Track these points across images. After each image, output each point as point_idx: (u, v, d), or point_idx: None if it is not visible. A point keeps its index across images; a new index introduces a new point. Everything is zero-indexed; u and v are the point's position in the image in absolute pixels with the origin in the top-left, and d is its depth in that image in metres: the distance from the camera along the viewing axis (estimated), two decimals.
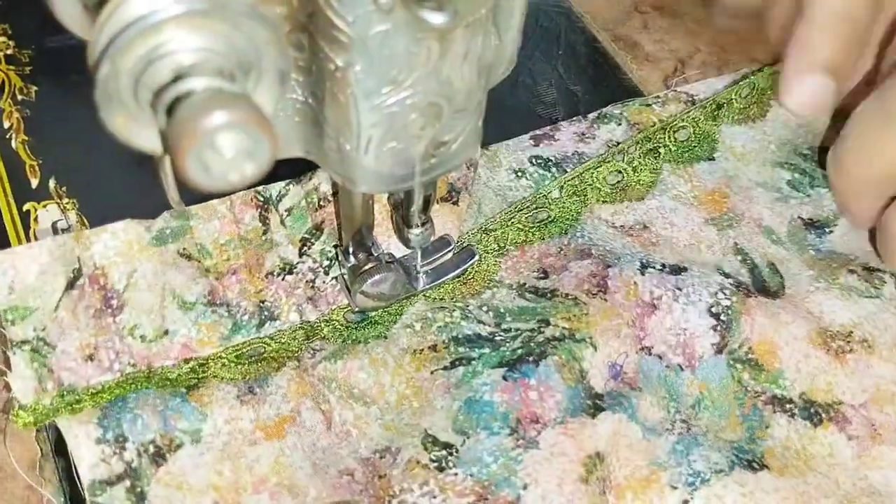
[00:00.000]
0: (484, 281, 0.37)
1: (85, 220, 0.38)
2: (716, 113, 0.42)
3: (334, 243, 0.37)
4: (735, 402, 0.34)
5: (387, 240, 0.38)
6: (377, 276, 0.35)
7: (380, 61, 0.26)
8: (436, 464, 0.32)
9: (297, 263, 0.36)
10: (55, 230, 0.38)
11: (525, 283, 0.37)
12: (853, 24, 0.36)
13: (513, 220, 0.39)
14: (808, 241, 0.39)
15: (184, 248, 0.35)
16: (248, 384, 0.33)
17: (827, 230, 0.39)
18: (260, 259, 0.36)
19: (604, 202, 0.40)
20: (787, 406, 0.34)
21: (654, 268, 0.37)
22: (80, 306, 0.33)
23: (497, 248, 0.38)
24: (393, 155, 0.29)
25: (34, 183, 0.39)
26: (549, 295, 0.36)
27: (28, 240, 0.38)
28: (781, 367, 0.35)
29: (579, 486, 0.31)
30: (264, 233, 0.36)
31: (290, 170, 0.36)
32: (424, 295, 0.37)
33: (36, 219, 0.38)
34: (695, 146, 0.41)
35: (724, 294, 0.36)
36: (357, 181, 0.30)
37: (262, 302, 0.36)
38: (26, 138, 0.40)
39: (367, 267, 0.35)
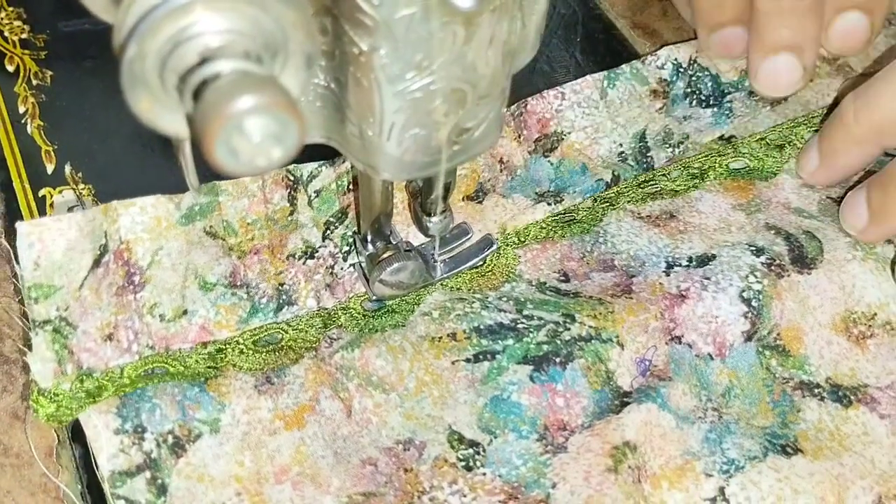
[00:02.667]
0: (503, 274, 0.37)
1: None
2: (777, 152, 0.41)
3: (353, 230, 0.36)
4: (764, 388, 0.35)
5: (405, 228, 0.37)
6: (395, 265, 0.35)
7: (405, 45, 0.26)
8: (463, 463, 0.32)
9: (319, 248, 0.36)
10: None
11: (546, 283, 0.37)
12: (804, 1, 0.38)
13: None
14: None
15: (210, 226, 0.34)
16: (265, 374, 0.33)
17: None
18: (283, 240, 0.36)
19: (634, 202, 0.39)
20: (816, 390, 0.34)
21: (680, 265, 0.36)
22: (104, 284, 0.33)
23: (517, 241, 0.38)
24: (415, 142, 0.29)
25: (50, 168, 0.39)
26: (571, 295, 0.36)
27: None
28: (806, 353, 0.35)
29: (608, 476, 0.31)
30: (291, 213, 0.36)
31: (321, 154, 0.35)
32: (442, 285, 0.36)
33: (52, 204, 0.38)
34: (745, 173, 0.40)
35: (756, 277, 0.36)
36: (379, 168, 0.30)
37: (281, 285, 0.35)
38: (42, 123, 0.40)
39: (385, 255, 0.35)
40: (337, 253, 0.36)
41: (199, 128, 0.21)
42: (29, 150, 0.39)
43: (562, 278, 0.37)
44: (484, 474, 0.32)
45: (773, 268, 0.36)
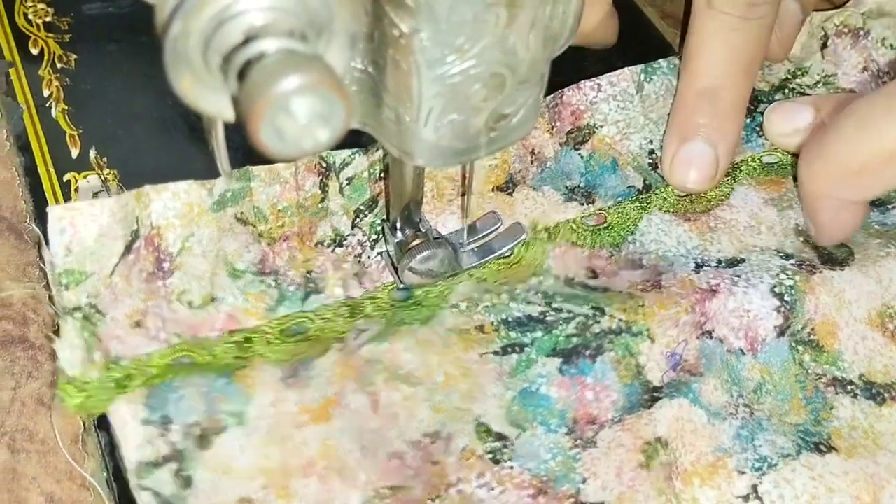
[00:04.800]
0: (531, 266, 0.36)
1: (125, 191, 0.37)
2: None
3: (382, 217, 0.36)
4: (797, 384, 0.34)
5: (435, 217, 0.37)
6: (425, 253, 0.35)
7: (447, 28, 0.25)
8: (491, 455, 0.31)
9: (348, 235, 0.36)
10: None
11: (574, 278, 0.36)
12: (724, 94, 0.37)
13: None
14: (871, 218, 0.38)
15: (241, 212, 0.34)
16: (292, 366, 0.32)
17: (890, 206, 0.39)
18: (313, 227, 0.35)
19: (666, 211, 0.38)
20: (849, 387, 0.34)
21: (709, 266, 0.36)
22: (135, 270, 0.33)
23: (547, 237, 0.37)
24: (452, 128, 0.28)
25: (74, 153, 0.38)
26: (601, 289, 0.35)
27: None
28: (840, 349, 0.34)
29: (640, 472, 0.31)
30: (322, 200, 0.35)
31: (353, 142, 0.35)
32: (469, 275, 0.36)
33: (77, 189, 0.37)
34: (779, 168, 0.40)
35: (787, 274, 0.35)
36: (414, 154, 0.29)
37: (309, 273, 0.35)
38: (66, 107, 0.40)
39: (414, 243, 0.35)
40: (365, 242, 0.36)
41: (244, 109, 0.20)
42: (53, 135, 0.39)
43: (590, 275, 0.36)
44: (511, 468, 0.31)
45: (804, 267, 0.36)
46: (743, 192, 0.39)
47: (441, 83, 0.27)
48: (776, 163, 0.40)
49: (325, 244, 0.35)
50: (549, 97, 0.39)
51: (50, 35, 0.42)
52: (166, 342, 0.33)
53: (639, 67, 0.40)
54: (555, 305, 0.34)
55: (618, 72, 0.40)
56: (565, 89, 0.39)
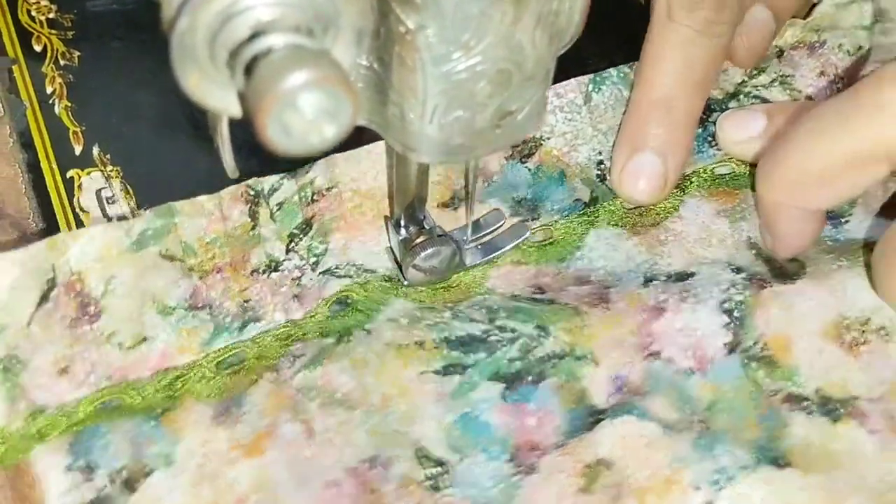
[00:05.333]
0: (471, 289, 0.36)
1: (129, 188, 0.38)
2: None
3: (320, 240, 0.35)
4: (751, 402, 0.33)
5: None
6: (429, 250, 0.35)
7: (453, 24, 0.25)
8: (430, 482, 0.31)
9: (284, 260, 0.35)
10: (99, 198, 0.37)
11: (519, 294, 0.35)
12: (677, 105, 0.36)
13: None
14: (823, 233, 0.37)
15: (166, 249, 0.33)
16: (224, 403, 0.32)
17: (842, 220, 0.37)
18: (246, 255, 0.35)
19: (614, 225, 0.37)
20: (804, 403, 0.33)
21: (658, 280, 0.35)
22: (55, 318, 0.32)
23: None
24: (458, 124, 0.28)
25: (78, 150, 0.38)
26: (546, 302, 0.35)
27: (72, 206, 0.37)
28: (796, 364, 0.33)
29: (580, 496, 0.30)
30: (252, 228, 0.35)
31: (289, 165, 0.35)
32: (405, 296, 0.35)
33: (80, 186, 0.37)
34: (731, 179, 0.39)
35: (737, 289, 0.34)
36: (418, 151, 0.29)
37: (246, 301, 0.34)
38: (69, 104, 0.40)
39: (418, 240, 0.35)
40: (304, 265, 0.35)
41: (252, 105, 0.20)
42: (57, 131, 0.39)
43: (536, 291, 0.35)
44: (452, 496, 0.30)
45: (754, 281, 0.35)
46: (694, 203, 0.38)
47: (447, 80, 0.26)
48: (729, 174, 0.39)
49: (261, 271, 0.35)
50: None
51: (53, 32, 0.42)
52: (96, 386, 0.32)
53: (587, 78, 0.39)
54: (498, 322, 0.34)
55: (565, 83, 0.39)
56: None
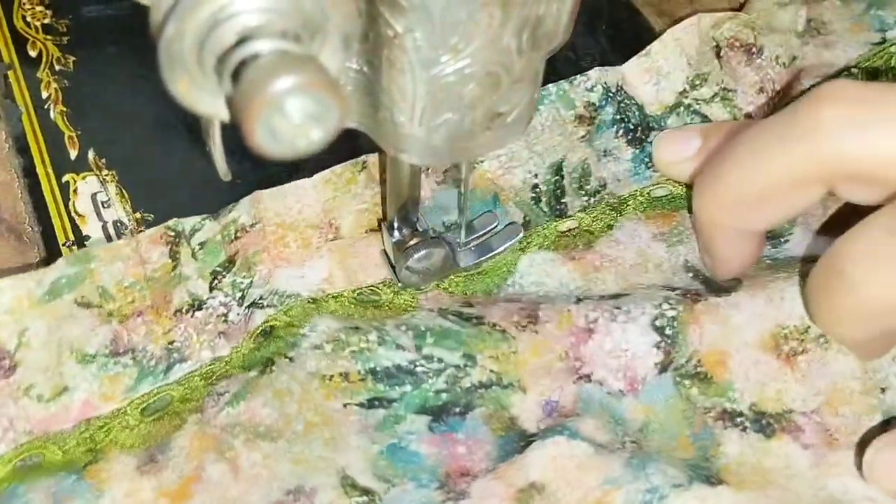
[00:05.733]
0: (399, 311, 0.35)
1: (124, 192, 0.38)
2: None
3: (244, 275, 0.35)
4: (684, 421, 0.32)
5: (302, 265, 0.36)
6: (422, 252, 0.35)
7: (441, 28, 0.25)
8: None
9: (208, 298, 0.34)
10: (95, 202, 0.38)
11: (448, 309, 0.34)
12: None
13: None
14: (763, 252, 0.36)
15: (82, 297, 0.33)
16: (148, 452, 0.31)
17: (782, 240, 0.37)
18: (167, 297, 0.34)
19: (546, 249, 0.37)
20: (738, 420, 0.32)
21: (591, 298, 0.34)
22: None
23: (419, 288, 0.36)
24: (448, 127, 0.28)
25: (73, 154, 0.39)
26: (474, 321, 0.34)
27: (68, 211, 0.37)
28: (731, 378, 0.33)
29: None
30: (174, 268, 0.34)
31: (213, 206, 0.35)
32: (332, 313, 0.34)
33: (76, 190, 0.38)
34: (668, 201, 0.38)
35: (670, 304, 0.33)
36: (410, 153, 0.29)
37: (171, 343, 0.34)
38: (64, 109, 0.40)
39: (411, 242, 0.35)
40: (230, 301, 0.35)
41: (239, 109, 0.20)
42: (52, 136, 0.39)
43: (465, 305, 0.35)
44: None
45: (688, 295, 0.34)
46: (631, 227, 0.37)
47: (435, 82, 0.27)
48: (666, 195, 0.38)
49: (184, 311, 0.34)
50: None
51: (48, 37, 0.42)
52: (15, 443, 0.31)
53: None
54: (425, 351, 0.33)
55: None
56: None
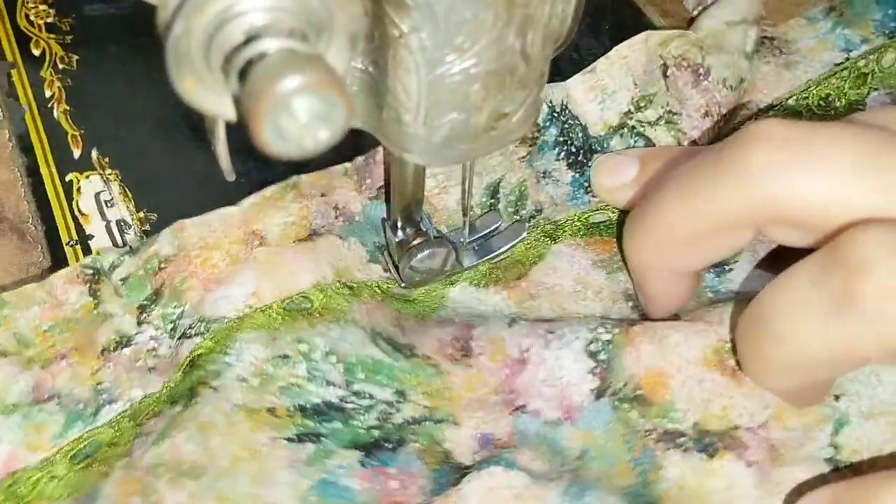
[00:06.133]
0: (332, 316, 0.33)
1: (128, 191, 0.38)
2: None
3: (175, 304, 0.33)
4: (624, 446, 0.31)
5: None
6: (426, 252, 0.35)
7: (446, 27, 0.25)
8: None
9: (136, 334, 0.33)
10: (98, 201, 0.38)
11: (381, 332, 0.33)
12: None
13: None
14: (705, 282, 0.36)
15: None
16: (77, 502, 0.30)
17: (727, 268, 0.36)
18: (92, 336, 0.33)
19: (476, 285, 0.36)
20: (680, 440, 0.31)
21: (524, 319, 0.34)
22: None
23: (349, 291, 0.34)
24: (452, 127, 0.28)
25: (76, 153, 0.39)
26: (406, 352, 0.33)
27: (71, 210, 0.37)
28: (672, 398, 0.32)
29: None
30: (96, 307, 0.33)
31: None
32: (257, 328, 0.33)
33: (79, 189, 0.38)
34: (607, 228, 0.38)
35: (605, 328, 0.33)
36: (414, 153, 0.29)
37: (99, 384, 0.32)
38: (68, 108, 0.40)
39: (415, 242, 0.35)
40: (161, 334, 0.33)
41: (246, 109, 0.20)
42: (55, 135, 0.39)
43: (397, 327, 0.34)
44: None
45: (625, 321, 0.33)
46: (569, 253, 0.36)
47: (441, 82, 0.27)
48: (604, 221, 0.37)
49: (112, 349, 0.33)
50: (359, 158, 0.36)
51: (51, 36, 0.42)
52: None
53: None
54: (355, 387, 0.32)
55: None
56: (380, 148, 0.36)
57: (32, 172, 0.38)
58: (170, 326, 0.33)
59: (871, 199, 0.26)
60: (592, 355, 0.32)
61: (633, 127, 0.39)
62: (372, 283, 0.35)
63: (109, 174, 0.38)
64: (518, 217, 0.37)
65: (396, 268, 0.36)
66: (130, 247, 0.34)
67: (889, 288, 0.25)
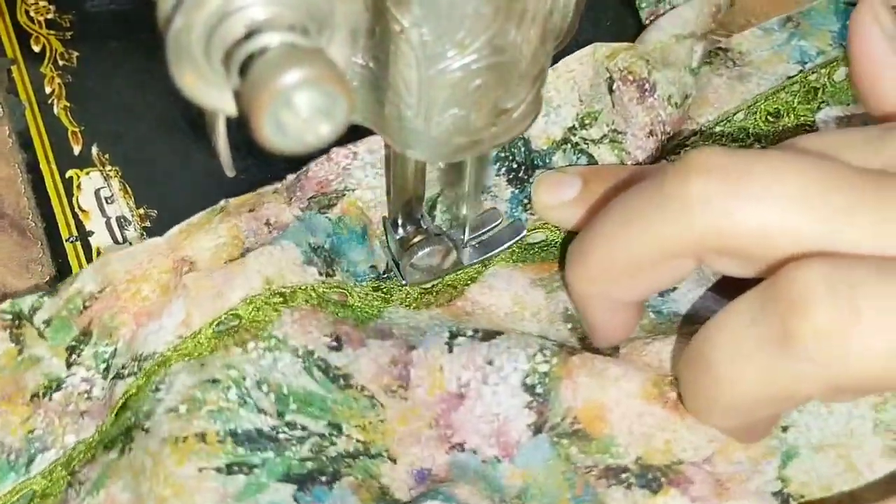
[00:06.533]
0: (259, 334, 0.32)
1: (128, 188, 0.38)
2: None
3: (106, 342, 0.32)
4: (565, 483, 0.31)
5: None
6: (427, 249, 0.35)
7: (447, 22, 0.25)
8: None
9: (67, 377, 0.32)
10: (98, 198, 0.37)
11: (314, 352, 0.32)
12: None
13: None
14: (648, 301, 0.35)
15: None
16: None
17: (670, 290, 0.35)
18: (20, 383, 0.31)
19: (408, 307, 0.35)
20: (622, 476, 0.30)
21: (463, 335, 0.33)
22: None
23: (280, 299, 0.33)
24: (454, 122, 0.28)
25: (77, 150, 0.39)
26: (341, 382, 0.32)
27: (71, 206, 0.37)
28: (612, 433, 0.31)
29: None
30: (19, 352, 0.32)
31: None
32: (184, 356, 0.32)
33: (79, 186, 0.38)
34: (543, 248, 0.37)
35: (544, 356, 0.32)
36: (415, 148, 0.29)
37: (31, 432, 0.31)
38: (68, 104, 0.40)
39: (415, 240, 0.35)
40: (93, 375, 0.32)
41: (247, 103, 0.20)
42: (55, 132, 0.39)
43: (333, 343, 0.32)
44: None
45: (564, 347, 0.32)
46: (507, 273, 0.36)
47: (442, 78, 0.27)
48: (540, 242, 0.37)
49: (41, 395, 0.32)
50: (290, 177, 0.35)
51: (52, 32, 0.42)
52: None
53: None
54: (288, 418, 0.31)
55: (378, 137, 0.35)
56: (311, 164, 0.35)
57: (32, 169, 0.38)
58: (102, 366, 0.32)
59: (815, 228, 0.26)
60: (529, 389, 0.32)
61: (577, 143, 0.38)
62: (307, 286, 0.34)
63: (109, 171, 0.38)
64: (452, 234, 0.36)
65: (397, 265, 0.36)
66: (49, 288, 0.33)
67: (828, 326, 0.24)
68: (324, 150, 0.35)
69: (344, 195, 0.35)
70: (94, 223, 0.37)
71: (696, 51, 0.39)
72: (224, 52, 0.21)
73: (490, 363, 0.32)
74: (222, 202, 0.35)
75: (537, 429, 0.31)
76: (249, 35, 0.21)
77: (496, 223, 0.37)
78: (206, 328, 0.32)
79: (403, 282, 0.36)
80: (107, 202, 0.37)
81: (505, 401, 0.31)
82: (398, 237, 0.35)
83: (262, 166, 0.36)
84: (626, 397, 0.31)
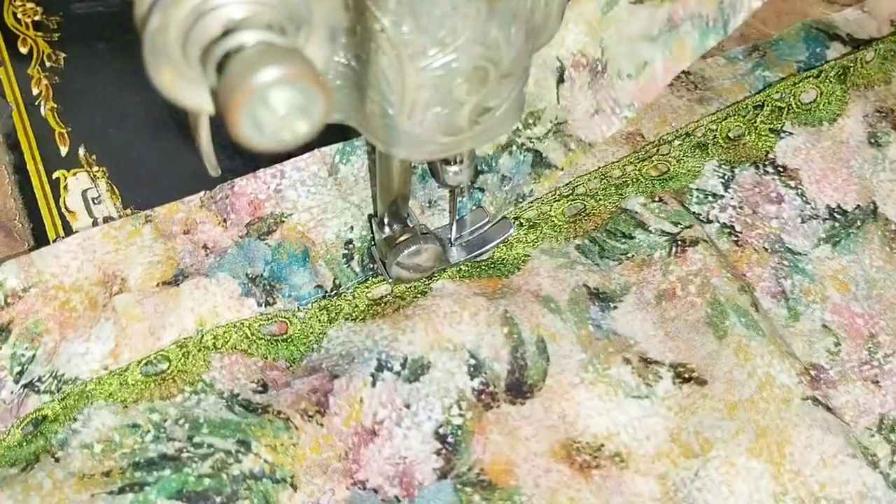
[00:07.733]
0: (186, 380, 0.32)
1: (115, 189, 0.38)
2: (532, 231, 0.37)
3: (26, 346, 0.32)
4: None
5: (89, 330, 0.34)
6: (413, 248, 0.35)
7: (428, 21, 0.25)
8: None
9: None
10: (85, 199, 0.37)
11: (239, 394, 0.32)
12: None
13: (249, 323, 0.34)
14: (589, 313, 0.35)
15: None
16: None
17: (612, 305, 0.35)
18: None
19: (355, 320, 0.35)
20: None
21: (389, 369, 0.33)
22: None
23: (211, 344, 0.33)
24: (437, 121, 0.28)
25: (63, 151, 0.39)
26: (259, 410, 0.32)
27: (58, 207, 0.37)
28: (518, 484, 0.31)
29: None
30: None
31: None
32: (114, 400, 0.31)
33: (66, 187, 0.38)
34: (490, 266, 0.37)
35: (460, 408, 0.32)
36: (399, 147, 0.29)
37: None
38: (55, 106, 0.40)
39: (402, 238, 0.35)
40: (5, 376, 0.32)
41: (223, 101, 0.20)
42: (42, 133, 0.39)
43: (259, 388, 0.32)
44: None
45: (483, 396, 0.33)
46: (453, 287, 0.35)
47: (423, 76, 0.27)
48: (486, 260, 0.37)
49: None
50: (215, 189, 0.36)
51: (39, 34, 0.42)
52: None
53: (332, 148, 0.37)
54: (196, 440, 0.31)
55: (305, 156, 0.36)
56: (237, 179, 0.35)
57: (19, 170, 0.38)
58: (17, 369, 0.32)
59: None
60: (441, 438, 0.32)
61: (522, 144, 0.38)
62: (241, 323, 0.33)
63: (97, 171, 0.38)
64: None
65: (384, 264, 0.36)
66: None
67: None
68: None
69: (283, 221, 0.35)
70: (81, 224, 0.37)
71: (656, 18, 0.37)
72: (201, 51, 0.21)
73: (408, 406, 0.32)
74: (147, 211, 0.35)
75: (442, 474, 0.32)
76: (226, 33, 0.21)
77: (483, 222, 0.37)
78: (134, 367, 0.32)
79: (389, 280, 0.36)
80: (94, 203, 0.37)
81: (415, 445, 0.32)
82: (384, 236, 0.35)
83: (249, 166, 0.36)
84: (534, 456, 0.32)
